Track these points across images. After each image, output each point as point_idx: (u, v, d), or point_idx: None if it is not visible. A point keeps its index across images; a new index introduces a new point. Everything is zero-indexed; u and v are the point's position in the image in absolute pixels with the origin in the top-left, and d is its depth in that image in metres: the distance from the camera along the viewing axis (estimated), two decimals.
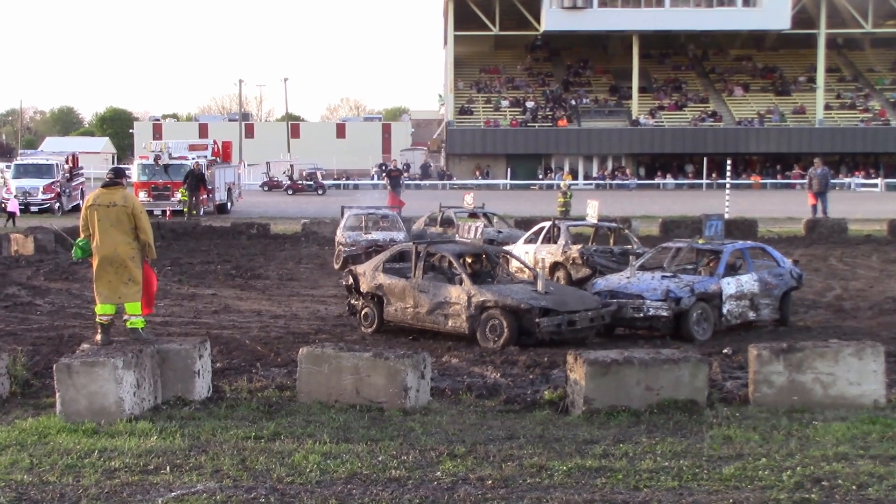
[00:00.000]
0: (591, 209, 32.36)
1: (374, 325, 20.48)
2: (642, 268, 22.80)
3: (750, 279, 21.48)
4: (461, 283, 19.61)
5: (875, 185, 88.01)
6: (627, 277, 21.95)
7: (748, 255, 22.45)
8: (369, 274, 20.85)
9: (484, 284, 19.86)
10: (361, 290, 20.83)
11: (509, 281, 20.93)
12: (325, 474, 10.83)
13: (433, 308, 19.61)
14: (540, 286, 19.54)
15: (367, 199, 50.49)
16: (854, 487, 10.41)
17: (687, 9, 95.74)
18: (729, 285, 20.88)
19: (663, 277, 21.53)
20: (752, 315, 21.39)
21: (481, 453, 11.56)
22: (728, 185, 54.91)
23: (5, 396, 14.11)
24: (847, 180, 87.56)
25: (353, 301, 21.24)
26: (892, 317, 22.42)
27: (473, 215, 35.71)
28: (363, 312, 20.80)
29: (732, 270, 21.82)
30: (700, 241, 23.00)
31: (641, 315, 20.80)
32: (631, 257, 24.10)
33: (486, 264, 21.15)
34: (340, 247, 31.68)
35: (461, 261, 20.33)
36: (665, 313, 20.47)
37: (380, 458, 11.33)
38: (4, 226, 41.90)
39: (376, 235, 32.20)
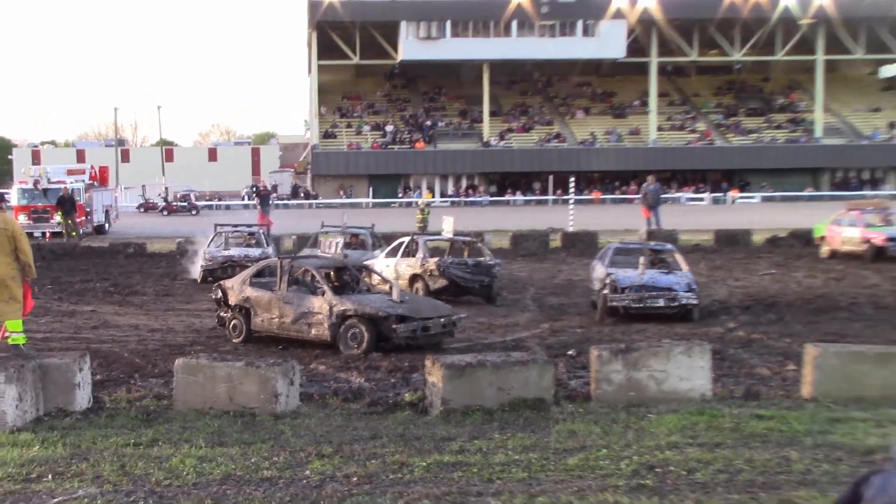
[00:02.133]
0: (447, 224, 32.62)
1: (243, 336, 20.31)
2: (613, 265, 24.91)
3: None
4: (323, 295, 19.65)
5: (702, 199, 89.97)
6: (641, 273, 23.85)
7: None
8: (237, 287, 20.77)
9: (344, 295, 19.97)
10: (230, 302, 20.74)
11: (368, 292, 21.08)
12: (200, 476, 10.75)
13: (297, 318, 19.62)
14: (395, 295, 19.79)
15: (239, 219, 50.15)
16: (684, 473, 10.67)
17: (532, 38, 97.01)
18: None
19: (661, 273, 24.45)
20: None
21: (347, 452, 11.57)
22: (572, 201, 55.53)
23: None
24: (678, 195, 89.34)
25: (221, 313, 21.16)
26: (718, 318, 23.00)
27: (355, 236, 35.30)
28: (232, 324, 20.68)
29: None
30: (652, 244, 27.16)
31: (676, 304, 23.36)
32: (641, 258, 24.66)
33: (346, 277, 21.25)
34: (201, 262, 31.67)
35: (323, 273, 20.40)
36: (695, 301, 23.47)
37: (252, 460, 11.29)
38: None
39: (233, 252, 32.34)
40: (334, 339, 19.07)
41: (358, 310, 19.16)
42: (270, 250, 32.57)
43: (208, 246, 32.72)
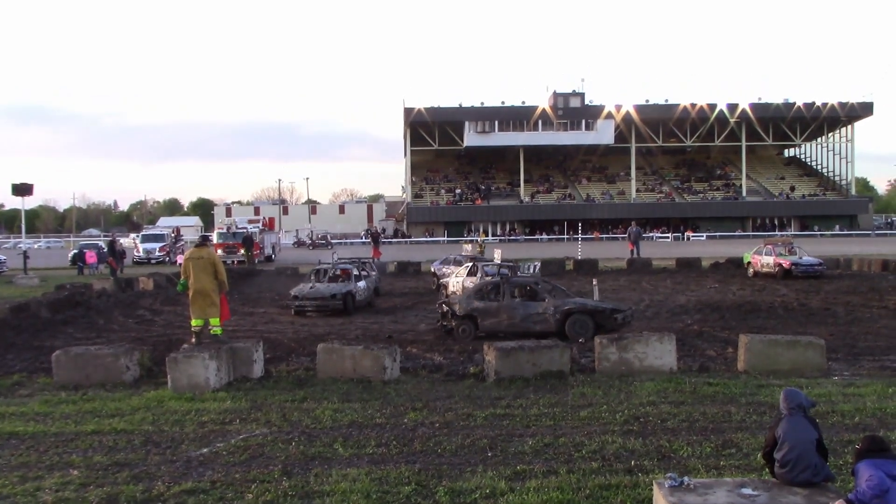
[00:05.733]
0: (496, 255, 32.52)
1: (471, 336, 18.48)
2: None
3: None
4: (545, 300, 18.72)
5: (667, 237, 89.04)
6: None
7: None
8: (464, 302, 19.18)
9: (561, 298, 18.99)
10: (458, 314, 18.97)
11: (564, 295, 19.48)
12: (335, 422, 10.75)
13: (524, 318, 18.55)
14: (596, 296, 19.33)
15: (359, 251, 50.46)
16: (659, 421, 10.48)
17: (552, 132, 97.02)
18: None
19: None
20: None
21: (432, 407, 11.51)
22: (580, 239, 55.24)
23: (137, 378, 13.98)
24: (651, 234, 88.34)
25: (444, 323, 19.43)
26: (680, 317, 22.54)
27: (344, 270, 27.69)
28: (461, 328, 18.81)
29: None
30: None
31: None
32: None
33: (538, 287, 19.64)
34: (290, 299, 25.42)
35: (539, 286, 19.43)
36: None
37: (369, 412, 11.25)
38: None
39: (311, 290, 25.09)
40: (558, 330, 18.02)
41: (581, 307, 18.42)
42: (358, 285, 26.13)
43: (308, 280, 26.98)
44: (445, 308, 19.56)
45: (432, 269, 35.87)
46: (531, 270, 27.83)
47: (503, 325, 18.67)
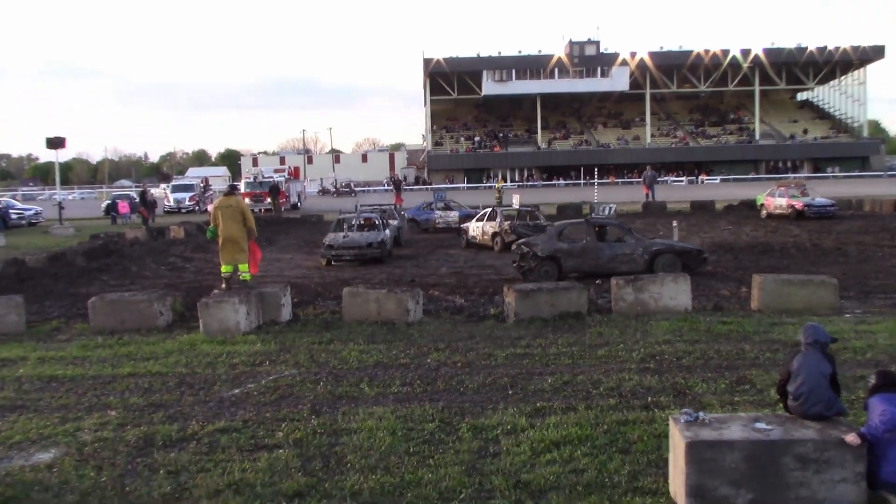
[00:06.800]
0: (515, 200, 32.39)
1: (555, 277, 17.80)
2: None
3: None
4: (633, 241, 18.54)
5: (682, 181, 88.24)
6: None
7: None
8: (545, 243, 18.70)
9: (648, 239, 18.83)
10: (540, 255, 18.44)
11: (643, 237, 19.32)
12: (361, 362, 10.80)
13: (611, 259, 18.35)
14: (675, 236, 19.21)
15: (382, 198, 50.38)
16: (674, 359, 10.45)
17: (568, 79, 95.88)
18: None
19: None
20: None
21: (454, 347, 11.53)
22: (596, 184, 54.82)
23: (170, 322, 14.08)
24: (666, 178, 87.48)
25: (522, 264, 18.76)
26: None
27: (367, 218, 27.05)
28: (543, 269, 18.28)
29: None
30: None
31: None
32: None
33: (616, 230, 19.50)
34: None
35: (625, 227, 19.09)
36: None
37: (393, 353, 11.29)
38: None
39: (347, 240, 24.01)
40: (647, 270, 17.47)
41: (669, 248, 18.36)
42: (386, 233, 25.35)
43: (336, 230, 25.64)
44: (525, 249, 19.01)
45: (410, 216, 35.53)
46: (606, 212, 26.93)
47: (587, 265, 18.44)
